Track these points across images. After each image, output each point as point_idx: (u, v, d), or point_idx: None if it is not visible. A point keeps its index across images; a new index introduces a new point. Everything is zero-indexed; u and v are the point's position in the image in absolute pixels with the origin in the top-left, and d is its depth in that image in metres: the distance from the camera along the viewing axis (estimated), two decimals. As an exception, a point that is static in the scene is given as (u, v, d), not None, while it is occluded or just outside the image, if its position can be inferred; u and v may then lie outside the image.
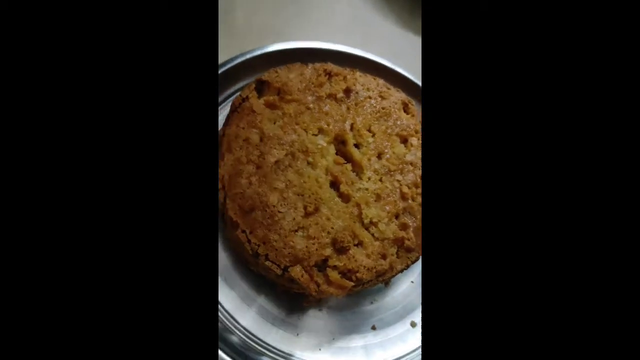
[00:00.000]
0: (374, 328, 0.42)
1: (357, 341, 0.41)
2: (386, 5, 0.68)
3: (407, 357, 0.40)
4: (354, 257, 0.35)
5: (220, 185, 0.35)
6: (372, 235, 0.36)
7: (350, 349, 0.40)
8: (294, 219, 0.35)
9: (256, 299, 0.40)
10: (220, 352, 0.34)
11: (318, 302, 0.37)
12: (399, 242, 0.37)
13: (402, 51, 0.61)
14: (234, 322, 0.39)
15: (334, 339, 0.40)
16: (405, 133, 0.42)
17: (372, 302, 0.43)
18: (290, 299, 0.41)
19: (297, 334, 0.40)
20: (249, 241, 0.34)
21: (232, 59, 0.48)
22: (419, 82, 0.54)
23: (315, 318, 0.41)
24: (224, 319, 0.38)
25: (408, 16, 0.67)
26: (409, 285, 0.45)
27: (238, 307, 0.39)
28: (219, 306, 0.39)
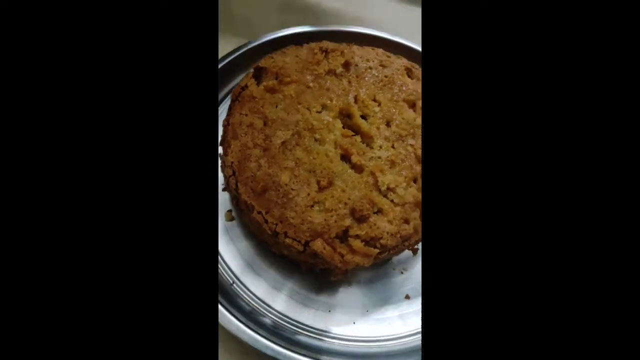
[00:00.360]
0: (407, 297, 0.41)
1: (391, 312, 0.40)
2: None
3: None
4: (375, 224, 0.34)
5: (230, 172, 0.36)
6: (392, 201, 0.35)
7: (385, 319, 0.39)
8: (308, 194, 0.34)
9: (285, 283, 0.40)
10: (255, 335, 0.34)
11: (345, 274, 0.36)
12: (420, 205, 0.36)
13: (399, 23, 0.60)
14: (266, 306, 0.39)
15: (367, 311, 0.40)
16: (412, 98, 0.41)
17: (402, 272, 0.42)
18: (318, 279, 0.41)
19: (329, 311, 0.39)
20: (266, 221, 0.34)
21: (227, 55, 0.48)
22: (420, 48, 0.53)
23: (346, 294, 0.41)
24: (256, 305, 0.39)
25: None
26: (438, 252, 0.44)
27: (269, 292, 0.40)
28: (250, 294, 0.39)
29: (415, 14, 0.64)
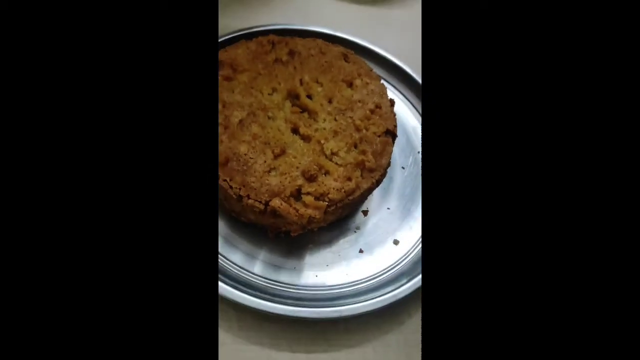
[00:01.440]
0: (361, 251, 0.47)
1: (349, 264, 0.46)
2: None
3: (395, 267, 0.46)
4: (323, 182, 0.40)
5: (196, 149, 0.41)
6: (336, 163, 0.42)
7: (343, 270, 0.45)
8: (265, 161, 0.40)
9: (259, 251, 0.45)
10: (242, 294, 0.39)
11: (303, 229, 0.42)
12: (360, 165, 0.42)
13: (341, 21, 0.67)
14: (245, 271, 0.44)
15: (327, 266, 0.45)
16: (349, 78, 0.48)
17: (355, 231, 0.48)
18: (285, 245, 0.46)
19: (295, 268, 0.45)
20: (230, 187, 0.39)
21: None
22: (356, 39, 0.60)
23: (310, 254, 0.46)
24: (236, 271, 0.43)
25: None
26: (386, 212, 0.50)
27: (246, 260, 0.44)
28: (231, 262, 0.44)
29: (351, 11, 0.71)
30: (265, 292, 0.41)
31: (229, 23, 0.62)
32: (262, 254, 0.45)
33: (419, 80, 0.59)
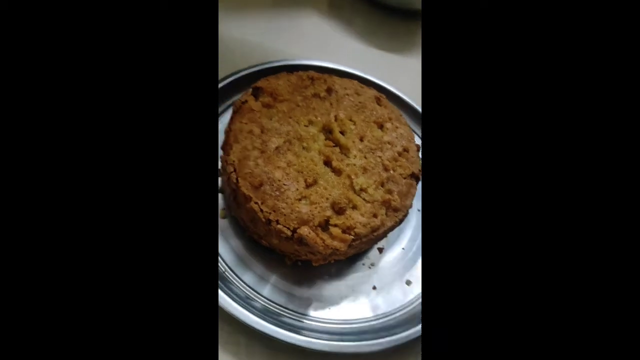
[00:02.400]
0: (374, 288, 0.47)
1: (361, 299, 0.46)
2: (349, 26, 0.79)
3: (407, 307, 0.46)
4: (350, 216, 0.41)
5: (231, 169, 0.42)
6: (364, 199, 0.43)
7: (355, 306, 0.45)
8: (297, 189, 0.41)
9: (271, 275, 0.46)
10: (247, 312, 0.39)
11: (325, 261, 0.42)
12: (386, 204, 0.44)
13: (370, 64, 0.71)
14: (255, 293, 0.44)
15: (341, 299, 0.46)
16: (380, 120, 0.50)
17: (370, 267, 0.49)
18: (299, 272, 0.46)
19: (309, 298, 0.45)
20: (261, 210, 0.40)
21: (228, 76, 0.56)
22: (386, 85, 0.64)
23: (322, 285, 0.46)
24: (246, 291, 0.44)
25: (369, 35, 0.79)
26: (400, 252, 0.51)
27: (257, 281, 0.45)
28: (241, 282, 0.44)
29: (380, 57, 0.76)
30: (270, 317, 0.41)
31: (267, 53, 0.65)
32: (274, 278, 0.46)
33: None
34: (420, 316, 0.44)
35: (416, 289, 0.48)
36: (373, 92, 0.54)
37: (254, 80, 0.50)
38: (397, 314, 0.45)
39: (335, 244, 0.40)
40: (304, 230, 0.39)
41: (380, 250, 0.51)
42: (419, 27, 0.83)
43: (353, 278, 0.48)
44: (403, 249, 0.52)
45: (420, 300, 0.47)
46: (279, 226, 0.40)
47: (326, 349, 0.39)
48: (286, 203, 0.40)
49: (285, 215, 0.40)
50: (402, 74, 0.74)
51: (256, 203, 0.40)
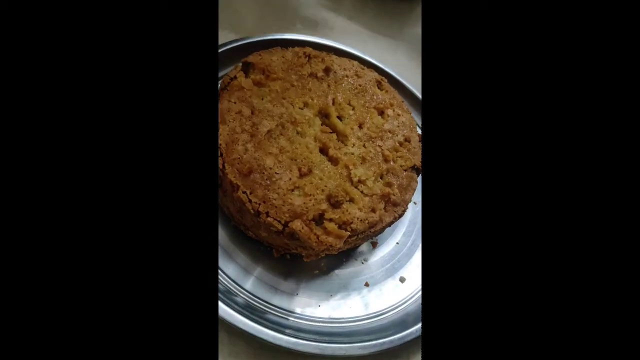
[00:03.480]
0: (366, 285, 0.45)
1: (352, 297, 0.44)
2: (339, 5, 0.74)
3: (401, 306, 0.44)
4: (347, 210, 0.38)
5: (218, 153, 0.38)
6: (361, 192, 0.40)
7: (347, 303, 0.43)
8: (290, 179, 0.37)
9: (256, 267, 0.42)
10: (229, 309, 0.36)
11: (317, 256, 0.39)
12: (385, 198, 0.40)
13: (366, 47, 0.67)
14: (237, 286, 0.41)
15: (331, 296, 0.43)
16: (381, 106, 0.47)
17: (362, 262, 0.47)
18: (287, 265, 0.43)
19: (296, 294, 0.42)
20: (250, 201, 0.36)
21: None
22: (385, 67, 0.60)
23: (311, 280, 0.43)
24: (227, 284, 0.40)
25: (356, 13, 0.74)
26: (395, 246, 0.49)
27: (240, 274, 0.41)
28: (223, 274, 0.41)
29: (379, 42, 0.71)
30: (253, 314, 0.38)
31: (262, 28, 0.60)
32: (258, 271, 0.42)
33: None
34: (414, 317, 0.42)
35: (410, 286, 0.46)
36: (374, 75, 0.49)
37: (245, 54, 0.45)
38: (390, 313, 0.43)
39: (330, 240, 0.36)
40: (297, 225, 0.36)
41: (374, 244, 0.48)
42: (409, 8, 0.79)
43: (344, 274, 0.45)
44: (397, 243, 0.49)
45: (414, 298, 0.45)
46: (269, 219, 0.36)
47: (314, 350, 0.36)
48: (277, 194, 0.37)
49: (276, 207, 0.36)
50: (392, 56, 0.69)
51: (244, 192, 0.36)
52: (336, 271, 0.45)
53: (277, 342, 0.36)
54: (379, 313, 0.43)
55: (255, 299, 0.40)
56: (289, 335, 0.37)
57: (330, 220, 0.37)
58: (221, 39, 0.52)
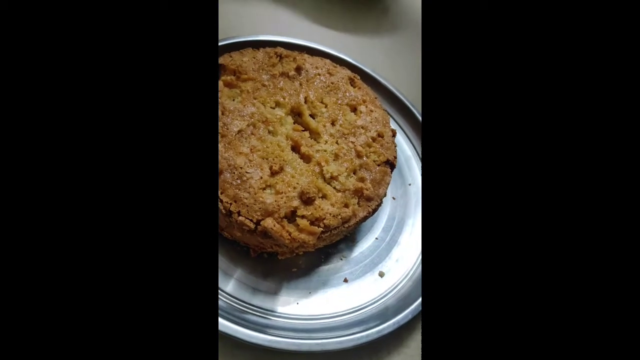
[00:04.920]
0: (345, 281, 0.45)
1: (332, 293, 0.44)
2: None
3: (379, 300, 0.44)
4: (320, 207, 0.38)
5: (188, 155, 0.38)
6: (334, 188, 0.40)
7: (326, 299, 0.43)
8: (261, 177, 0.38)
9: (235, 269, 0.42)
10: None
11: (292, 253, 0.39)
12: (358, 193, 0.41)
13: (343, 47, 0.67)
14: (219, 290, 0.40)
15: (310, 293, 0.43)
16: (354, 103, 0.47)
17: (341, 259, 0.47)
18: (266, 265, 0.43)
19: (276, 293, 0.42)
20: (221, 201, 0.36)
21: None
22: (360, 65, 0.60)
23: (290, 278, 0.44)
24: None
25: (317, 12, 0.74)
26: (373, 242, 0.49)
27: (220, 277, 0.41)
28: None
29: (348, 39, 0.72)
30: (233, 316, 0.38)
31: (232, 28, 0.60)
32: (238, 272, 0.42)
33: (416, 112, 0.60)
34: (393, 310, 0.42)
35: (389, 280, 0.46)
36: (346, 72, 0.50)
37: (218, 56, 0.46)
38: (369, 307, 0.43)
39: (303, 237, 0.37)
40: (268, 223, 0.36)
41: (353, 241, 0.48)
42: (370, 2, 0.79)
43: (323, 271, 0.45)
44: (376, 239, 0.49)
45: (393, 292, 0.45)
46: (240, 218, 0.36)
47: (291, 347, 0.37)
48: (249, 193, 0.37)
49: (247, 206, 0.36)
50: (377, 55, 0.70)
51: (215, 193, 0.37)
52: (315, 268, 0.45)
53: (256, 342, 0.36)
54: (357, 308, 0.43)
55: (237, 301, 0.40)
56: (268, 334, 0.37)
57: (303, 217, 0.37)
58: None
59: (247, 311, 0.40)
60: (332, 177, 0.40)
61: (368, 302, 0.44)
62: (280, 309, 0.41)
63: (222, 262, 0.43)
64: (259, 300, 0.41)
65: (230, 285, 0.41)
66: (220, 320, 0.36)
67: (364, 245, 0.49)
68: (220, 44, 0.53)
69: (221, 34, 0.56)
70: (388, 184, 0.44)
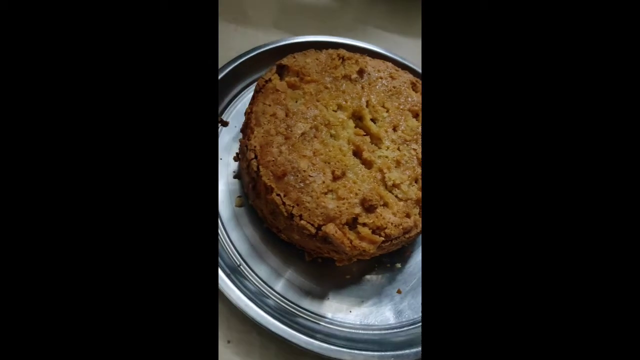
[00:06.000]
0: (399, 292, 0.44)
1: (385, 304, 0.43)
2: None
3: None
4: (381, 215, 0.37)
5: (252, 155, 0.38)
6: (396, 196, 0.39)
7: (379, 310, 0.42)
8: (324, 182, 0.37)
9: (287, 269, 0.42)
10: (262, 312, 0.36)
11: (349, 261, 0.39)
12: (420, 203, 0.39)
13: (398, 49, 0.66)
14: (268, 288, 0.41)
15: (362, 302, 0.42)
16: (416, 108, 0.45)
17: (395, 269, 0.45)
18: (317, 269, 0.43)
19: (328, 298, 0.41)
20: (283, 203, 0.36)
21: (250, 51, 0.51)
22: (420, 70, 0.58)
23: (342, 285, 0.43)
24: (259, 285, 0.40)
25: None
26: (428, 253, 0.47)
27: (271, 276, 0.42)
28: (255, 275, 0.41)
29: (410, 44, 0.70)
30: (284, 317, 0.38)
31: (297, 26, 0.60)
32: (289, 273, 0.42)
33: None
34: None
35: (444, 295, 0.44)
36: (409, 77, 0.48)
37: (278, 57, 0.46)
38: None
39: (364, 245, 0.36)
40: (330, 229, 0.35)
41: (408, 250, 0.47)
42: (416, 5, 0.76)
43: (376, 279, 0.44)
44: (431, 250, 0.48)
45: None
46: (302, 222, 0.36)
47: (346, 357, 0.36)
48: (311, 197, 0.36)
49: (309, 210, 0.36)
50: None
51: (278, 195, 0.36)
52: (368, 277, 0.44)
53: (309, 347, 0.36)
54: (411, 322, 0.42)
55: (286, 301, 0.40)
56: (320, 340, 0.37)
57: (364, 224, 0.36)
58: (241, 40, 0.52)
59: (297, 314, 0.40)
60: (394, 185, 0.39)
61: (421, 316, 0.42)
62: (331, 315, 0.41)
63: (274, 261, 0.43)
64: (308, 304, 0.41)
65: (280, 285, 0.41)
66: (272, 320, 0.36)
67: (419, 256, 0.47)
68: (282, 43, 0.53)
69: (280, 34, 0.56)
70: (451, 194, 0.42)
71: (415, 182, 0.41)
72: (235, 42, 0.56)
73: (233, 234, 0.43)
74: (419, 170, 0.41)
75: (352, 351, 0.36)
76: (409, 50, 0.66)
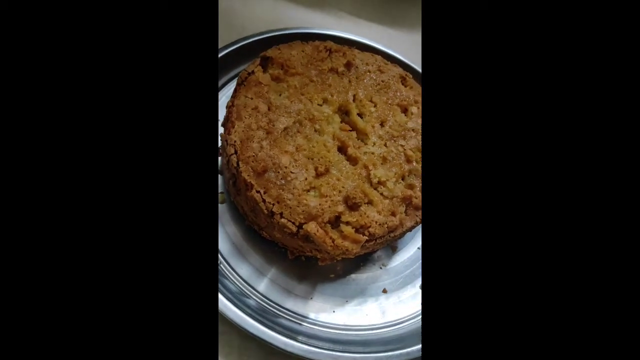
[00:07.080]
0: (385, 291, 0.43)
1: (369, 303, 0.42)
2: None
3: (419, 315, 0.42)
4: (365, 213, 0.36)
5: (232, 151, 0.37)
6: (381, 194, 0.38)
7: (363, 310, 0.41)
8: (306, 179, 0.36)
9: (270, 268, 0.41)
10: (241, 313, 0.35)
11: (332, 260, 0.37)
12: (407, 200, 0.38)
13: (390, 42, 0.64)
14: (250, 288, 0.39)
15: (347, 301, 0.41)
16: (405, 103, 0.44)
17: (381, 267, 0.44)
18: (301, 267, 0.42)
19: (311, 298, 0.40)
20: (263, 200, 0.35)
21: (234, 42, 0.50)
22: (410, 63, 0.57)
23: (326, 284, 0.42)
24: (240, 285, 0.39)
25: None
26: (416, 251, 0.46)
27: (253, 275, 0.40)
28: (236, 275, 0.40)
29: (402, 37, 0.68)
30: (265, 319, 0.37)
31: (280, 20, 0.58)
32: (272, 272, 0.41)
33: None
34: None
35: (431, 295, 0.43)
36: (398, 71, 0.47)
37: (264, 48, 0.44)
38: (408, 322, 0.41)
39: (346, 244, 0.35)
40: (311, 227, 0.34)
41: (394, 249, 0.46)
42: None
43: (361, 279, 0.43)
44: (418, 248, 0.47)
45: (434, 308, 0.43)
46: (282, 220, 0.35)
47: (328, 359, 0.35)
48: (292, 194, 0.35)
49: (290, 207, 0.35)
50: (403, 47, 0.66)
51: (258, 192, 0.35)
52: (353, 275, 0.43)
53: (289, 349, 0.35)
54: (396, 322, 0.41)
55: (268, 301, 0.39)
56: (301, 342, 0.36)
57: (347, 223, 0.35)
58: (239, 34, 0.51)
59: (280, 315, 0.39)
60: (380, 182, 0.38)
61: (407, 316, 0.41)
62: (314, 315, 0.40)
63: (256, 261, 0.41)
64: (291, 304, 0.40)
65: (262, 285, 0.40)
66: (251, 321, 0.35)
67: (405, 254, 0.46)
68: (267, 35, 0.51)
69: (266, 26, 0.54)
70: (438, 192, 0.41)
71: (402, 179, 0.39)
72: (220, 31, 0.54)
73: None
74: (406, 167, 0.40)
75: (334, 353, 0.35)
76: (401, 43, 0.65)
